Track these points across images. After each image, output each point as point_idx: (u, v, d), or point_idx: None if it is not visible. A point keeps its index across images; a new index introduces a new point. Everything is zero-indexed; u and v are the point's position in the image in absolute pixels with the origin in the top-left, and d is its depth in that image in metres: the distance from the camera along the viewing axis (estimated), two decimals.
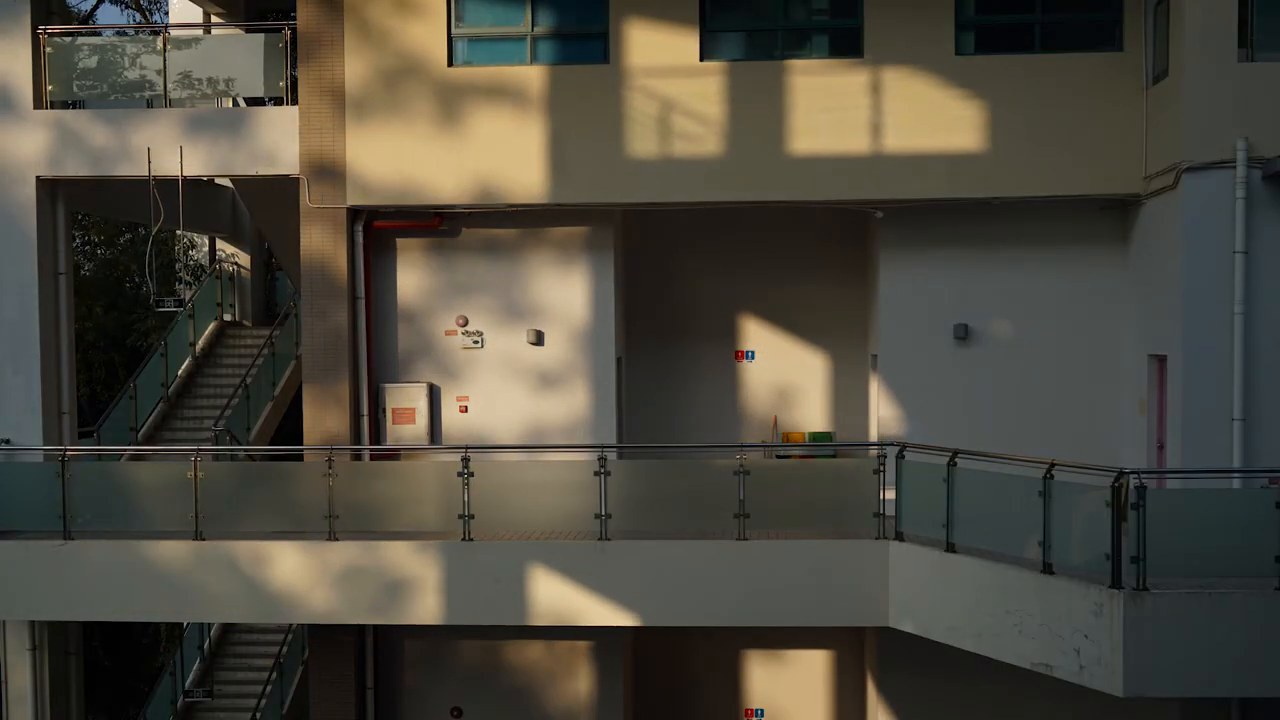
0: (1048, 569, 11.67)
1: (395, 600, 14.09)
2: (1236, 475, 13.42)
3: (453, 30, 15.77)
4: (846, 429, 17.90)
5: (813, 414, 18.03)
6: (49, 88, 16.22)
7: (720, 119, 15.42)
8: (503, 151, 15.64)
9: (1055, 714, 15.43)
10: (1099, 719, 14.67)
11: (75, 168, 16.14)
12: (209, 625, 19.94)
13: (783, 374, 18.07)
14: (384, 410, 16.38)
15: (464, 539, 13.85)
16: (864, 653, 17.31)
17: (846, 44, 15.53)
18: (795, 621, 13.87)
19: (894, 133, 15.28)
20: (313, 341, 15.98)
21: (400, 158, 15.74)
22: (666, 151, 15.48)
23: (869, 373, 17.54)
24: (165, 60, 16.23)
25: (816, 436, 17.86)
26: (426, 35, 15.71)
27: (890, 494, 13.40)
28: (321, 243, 15.91)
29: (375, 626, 16.22)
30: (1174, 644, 11.00)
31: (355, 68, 15.74)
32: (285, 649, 19.61)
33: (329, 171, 15.80)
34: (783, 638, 17.28)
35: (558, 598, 13.81)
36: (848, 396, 17.93)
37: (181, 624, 20.22)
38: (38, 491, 14.49)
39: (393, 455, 16.23)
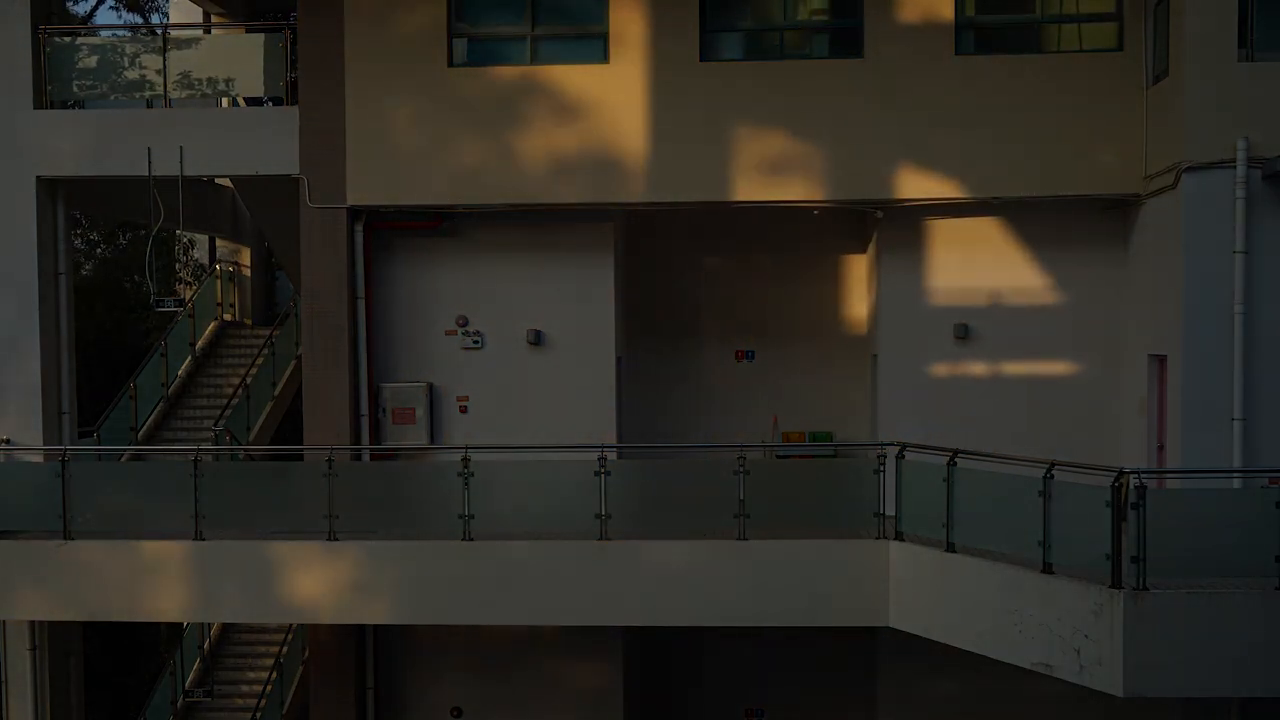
0: (1048, 569, 11.66)
1: (395, 600, 14.07)
2: (1236, 475, 13.40)
3: (453, 30, 15.78)
4: (846, 429, 17.89)
5: (813, 414, 18.02)
6: (49, 87, 16.22)
7: (720, 119, 15.43)
8: (503, 151, 15.64)
9: (1055, 714, 15.46)
10: (1099, 719, 14.67)
11: (75, 168, 16.14)
12: (209, 625, 19.93)
13: (783, 374, 18.06)
14: (384, 410, 16.37)
15: (464, 539, 13.84)
16: (865, 653, 17.29)
17: (846, 44, 15.54)
18: (795, 621, 13.86)
19: (894, 133, 15.29)
20: (313, 341, 15.98)
21: (400, 158, 15.74)
22: (665, 152, 15.49)
23: (869, 373, 17.54)
24: (165, 60, 16.23)
25: (816, 436, 17.85)
26: (427, 36, 15.70)
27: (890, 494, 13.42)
28: (321, 242, 15.90)
29: (375, 626, 16.21)
30: (1174, 644, 10.99)
31: (355, 67, 15.74)
32: (285, 649, 19.60)
33: (329, 171, 15.79)
34: (783, 637, 17.25)
35: (558, 598, 13.81)
36: (848, 396, 17.91)
37: (181, 624, 20.20)
38: (38, 491, 14.47)
39: (393, 455, 16.24)
